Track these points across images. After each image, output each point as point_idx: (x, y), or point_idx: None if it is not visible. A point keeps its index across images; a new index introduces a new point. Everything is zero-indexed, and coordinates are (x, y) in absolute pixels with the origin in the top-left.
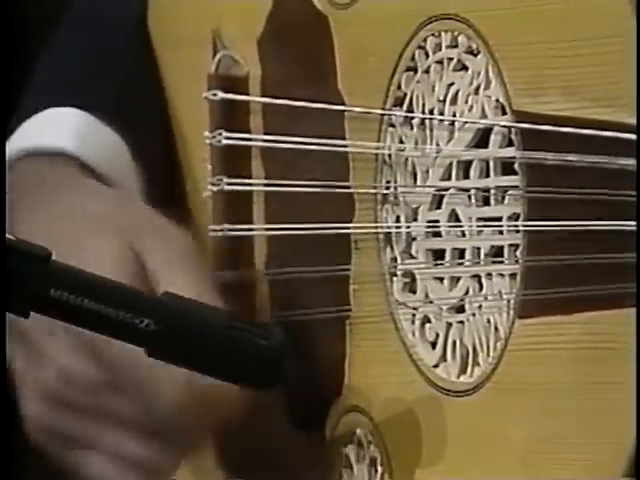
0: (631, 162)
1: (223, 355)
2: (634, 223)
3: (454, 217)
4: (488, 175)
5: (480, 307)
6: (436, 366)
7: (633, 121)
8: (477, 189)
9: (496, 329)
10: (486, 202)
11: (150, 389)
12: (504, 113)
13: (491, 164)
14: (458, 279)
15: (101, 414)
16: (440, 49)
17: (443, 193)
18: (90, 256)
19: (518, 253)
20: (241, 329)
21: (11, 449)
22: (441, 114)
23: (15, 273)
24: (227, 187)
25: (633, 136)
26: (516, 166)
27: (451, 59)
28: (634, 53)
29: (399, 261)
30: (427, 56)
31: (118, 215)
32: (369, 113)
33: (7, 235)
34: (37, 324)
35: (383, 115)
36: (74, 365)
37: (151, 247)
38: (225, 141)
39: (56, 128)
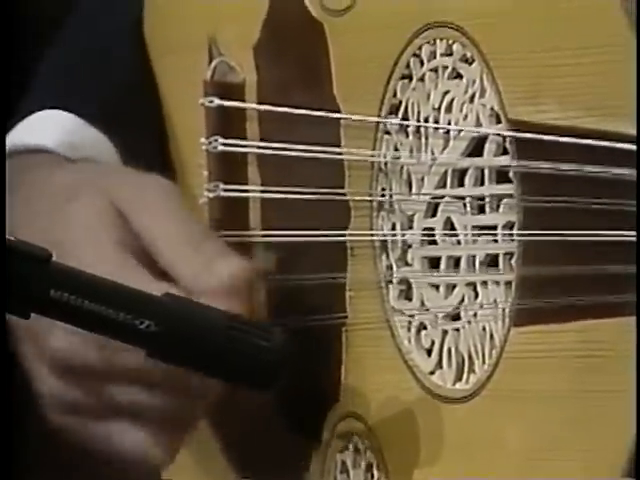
0: (626, 172)
1: (223, 356)
2: (630, 233)
3: (449, 225)
4: (483, 183)
5: (475, 315)
6: (432, 373)
7: (628, 131)
8: (472, 197)
9: (491, 337)
10: (481, 210)
11: None
12: (499, 122)
13: (486, 172)
14: (454, 287)
15: (113, 374)
16: (435, 57)
17: (438, 201)
18: (75, 220)
19: (513, 261)
20: (241, 330)
21: (11, 448)
22: (436, 122)
23: (15, 274)
24: (223, 193)
25: (628, 146)
26: (511, 174)
27: (446, 67)
28: (634, 63)
29: (395, 269)
30: (422, 64)
31: (93, 178)
32: (365, 121)
33: (7, 236)
34: None
35: (378, 123)
36: (72, 340)
37: (128, 200)
38: (221, 147)
39: (40, 128)
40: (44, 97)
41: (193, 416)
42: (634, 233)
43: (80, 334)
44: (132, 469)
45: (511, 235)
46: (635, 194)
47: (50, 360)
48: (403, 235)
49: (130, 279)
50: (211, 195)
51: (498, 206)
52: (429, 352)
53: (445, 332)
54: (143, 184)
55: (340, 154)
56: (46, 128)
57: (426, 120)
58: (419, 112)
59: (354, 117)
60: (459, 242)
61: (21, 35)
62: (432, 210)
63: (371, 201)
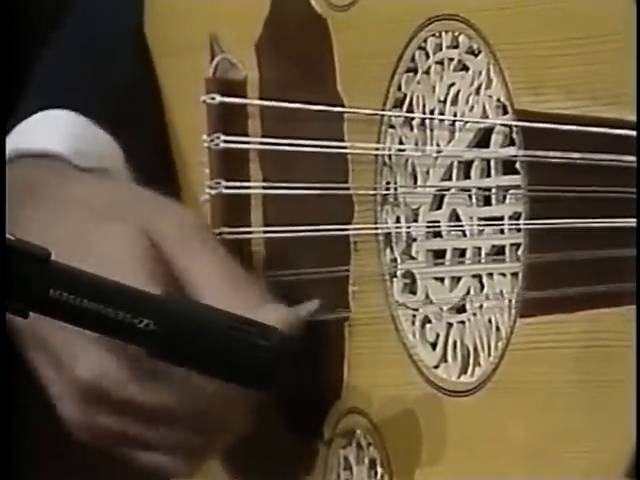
0: (630, 158)
1: (222, 355)
2: (635, 220)
3: (455, 217)
4: (489, 175)
5: (481, 307)
6: (437, 367)
7: (634, 118)
8: (478, 189)
9: (497, 329)
10: (487, 202)
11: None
12: (505, 112)
13: (492, 163)
14: (459, 279)
15: (137, 407)
16: (441, 49)
17: (444, 193)
18: (103, 244)
19: (520, 252)
20: (241, 329)
21: (11, 445)
22: (442, 115)
23: (14, 273)
24: (225, 190)
25: (633, 133)
26: (517, 165)
27: (452, 59)
28: (634, 50)
29: (399, 262)
30: (427, 57)
31: (121, 200)
32: (368, 114)
33: (7, 235)
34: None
35: (382, 116)
36: (106, 362)
37: (161, 227)
38: (223, 144)
39: (44, 130)
40: (46, 97)
41: (216, 446)
42: (634, 220)
43: (108, 363)
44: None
45: (517, 225)
46: (635, 180)
47: (76, 389)
48: (408, 228)
49: None
50: (213, 192)
51: (504, 197)
52: (434, 346)
53: (450, 325)
54: (181, 218)
55: (344, 148)
56: (49, 130)
57: (431, 113)
58: (424, 105)
59: (356, 110)
60: (464, 234)
61: (21, 35)
62: (437, 203)
63: (375, 195)
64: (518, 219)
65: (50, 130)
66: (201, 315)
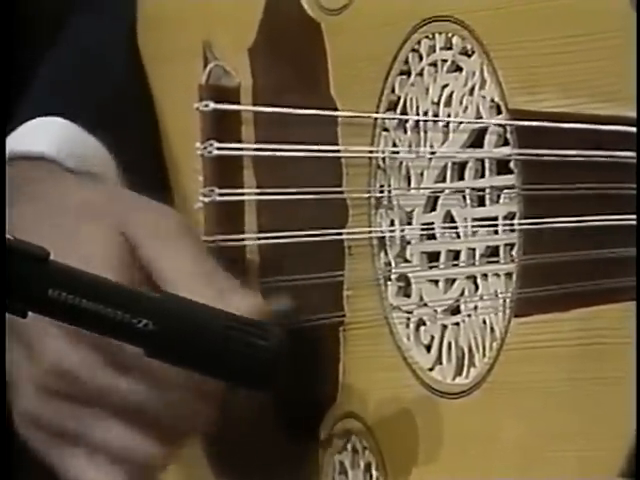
0: (628, 154)
1: (221, 355)
2: (631, 217)
3: (449, 219)
4: (483, 175)
5: (476, 308)
6: (431, 369)
7: (630, 114)
8: (472, 189)
9: (492, 329)
10: (481, 202)
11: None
12: (499, 112)
13: (486, 164)
14: (453, 281)
15: (92, 404)
16: (434, 51)
17: (438, 195)
18: (81, 244)
19: (514, 252)
20: (239, 329)
21: (11, 448)
22: (435, 116)
23: (13, 273)
24: (219, 198)
25: (630, 129)
26: (511, 164)
27: (445, 61)
28: (634, 47)
29: (393, 265)
30: (421, 59)
31: (104, 202)
32: (362, 118)
33: (7, 235)
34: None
35: (376, 119)
36: (70, 353)
37: (140, 229)
38: (216, 152)
39: (37, 135)
40: (41, 103)
41: (156, 463)
42: (634, 217)
43: (77, 358)
44: None
45: (512, 225)
46: (635, 177)
47: (41, 376)
48: (402, 231)
49: None
50: (207, 200)
51: (498, 197)
52: (428, 348)
53: (444, 327)
54: (158, 214)
55: (338, 152)
56: (47, 136)
57: (425, 115)
58: (418, 107)
59: (349, 114)
60: (459, 235)
61: (21, 35)
62: (431, 205)
63: (369, 198)
64: (512, 219)
65: (43, 134)
66: (200, 315)
